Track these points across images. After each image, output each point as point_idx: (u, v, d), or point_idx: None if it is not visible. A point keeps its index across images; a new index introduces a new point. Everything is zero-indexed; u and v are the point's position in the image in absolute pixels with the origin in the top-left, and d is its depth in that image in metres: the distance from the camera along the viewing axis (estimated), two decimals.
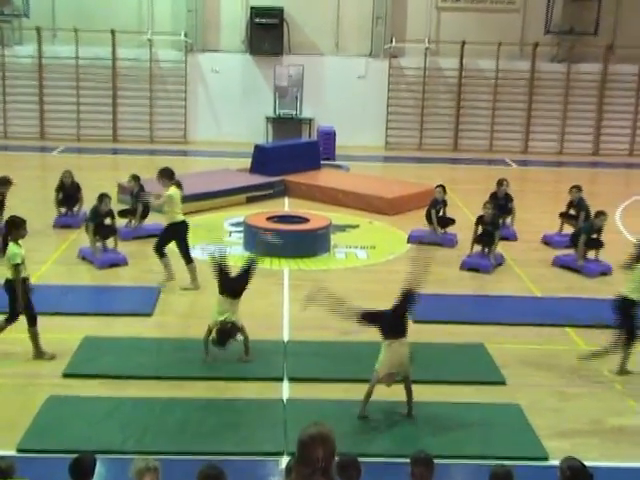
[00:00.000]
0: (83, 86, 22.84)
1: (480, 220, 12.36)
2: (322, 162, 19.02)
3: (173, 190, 10.74)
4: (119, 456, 6.56)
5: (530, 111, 23.75)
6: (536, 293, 11.42)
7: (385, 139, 23.66)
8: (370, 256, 12.86)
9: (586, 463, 5.15)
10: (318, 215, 13.93)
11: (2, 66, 22.81)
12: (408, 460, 5.29)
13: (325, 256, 12.70)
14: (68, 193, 13.82)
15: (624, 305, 8.58)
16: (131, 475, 4.90)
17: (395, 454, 6.73)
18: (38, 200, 15.22)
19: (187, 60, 23.00)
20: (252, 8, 22.68)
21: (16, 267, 8.23)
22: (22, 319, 8.46)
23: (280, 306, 10.38)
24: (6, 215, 10.57)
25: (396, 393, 7.46)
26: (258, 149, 17.97)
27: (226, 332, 8.38)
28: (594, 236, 12.41)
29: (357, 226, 14.59)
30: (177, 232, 10.88)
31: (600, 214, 12.40)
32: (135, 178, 13.28)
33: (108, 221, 12.15)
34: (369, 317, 7.44)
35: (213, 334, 8.45)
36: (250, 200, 16.02)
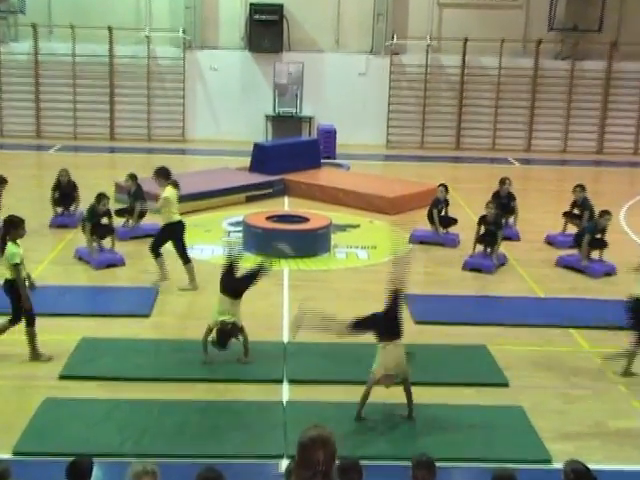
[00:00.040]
0: (80, 84, 22.86)
1: (482, 220, 12.36)
2: (322, 161, 19.03)
3: (169, 191, 10.76)
4: (116, 459, 6.56)
5: (533, 109, 23.76)
6: (539, 294, 11.42)
7: (386, 137, 23.67)
8: (371, 256, 12.86)
9: (590, 466, 5.15)
10: (318, 214, 13.93)
11: None
12: (410, 463, 5.30)
13: (325, 256, 12.70)
14: (65, 192, 13.83)
15: (637, 306, 8.58)
16: (129, 478, 4.90)
17: (396, 457, 6.73)
18: (34, 199, 15.23)
19: (185, 57, 23.01)
20: (251, 4, 22.69)
21: (15, 267, 8.24)
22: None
23: (280, 307, 10.39)
24: (2, 214, 10.56)
25: (397, 395, 7.46)
26: (257, 147, 17.97)
27: (226, 333, 8.40)
28: (598, 236, 12.41)
29: (358, 226, 14.60)
30: (174, 232, 10.90)
31: (604, 213, 12.40)
32: (132, 177, 13.28)
33: (105, 220, 12.15)
34: (361, 325, 7.49)
35: (213, 334, 8.46)
36: (249, 199, 16.03)
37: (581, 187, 13.62)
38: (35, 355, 8.57)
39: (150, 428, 7.21)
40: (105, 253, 12.07)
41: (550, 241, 13.82)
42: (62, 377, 8.21)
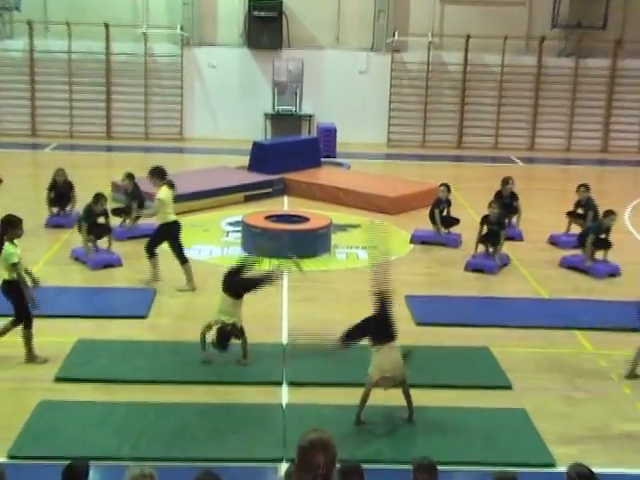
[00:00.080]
0: (76, 81, 22.85)
1: (485, 220, 12.37)
2: (322, 160, 19.03)
3: (164, 192, 10.77)
4: (113, 463, 6.57)
5: (537, 107, 23.75)
6: (543, 294, 11.42)
7: (387, 136, 23.66)
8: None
9: (594, 470, 5.15)
10: (318, 214, 13.93)
11: None
12: (411, 466, 5.30)
13: (325, 256, 12.71)
14: (61, 192, 13.83)
15: None
16: None
17: (397, 460, 6.73)
18: (30, 199, 15.23)
19: (183, 54, 23.00)
20: (250, 0, 22.67)
21: (14, 266, 8.24)
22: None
23: (279, 307, 10.39)
24: None
25: (397, 398, 7.46)
26: (256, 146, 17.97)
27: (225, 333, 8.40)
28: (602, 236, 12.41)
29: (358, 226, 14.60)
30: (169, 232, 10.92)
31: (609, 213, 12.40)
32: (129, 176, 13.27)
33: (102, 220, 12.16)
34: (353, 334, 7.51)
35: (213, 336, 8.46)
36: (248, 199, 16.03)
37: (585, 186, 13.62)
38: (31, 357, 8.58)
39: (147, 431, 7.21)
40: (102, 253, 12.08)
41: (554, 241, 13.82)
42: (58, 379, 8.22)
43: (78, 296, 10.87)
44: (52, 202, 13.86)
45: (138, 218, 13.19)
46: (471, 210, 15.19)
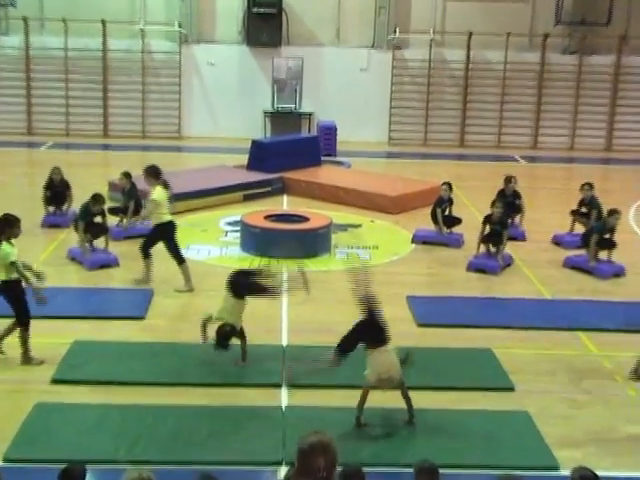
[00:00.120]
0: (72, 79, 22.87)
1: (488, 219, 12.37)
2: (322, 158, 19.03)
3: (157, 193, 10.78)
4: (110, 466, 6.56)
5: (540, 105, 23.77)
6: (546, 295, 11.42)
7: (388, 134, 23.68)
8: (373, 257, 12.86)
9: (598, 473, 5.15)
10: (318, 214, 13.93)
11: None
12: (412, 469, 5.30)
13: (325, 257, 12.70)
14: (57, 191, 13.83)
15: None
16: None
17: (399, 463, 6.73)
18: (25, 198, 15.23)
19: (181, 51, 23.02)
20: None
21: (12, 265, 8.24)
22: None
23: (279, 308, 10.38)
24: None
25: (397, 400, 7.46)
26: (256, 145, 17.97)
27: (224, 333, 8.40)
28: (607, 236, 12.41)
29: (359, 225, 14.60)
30: (164, 233, 10.93)
31: (613, 212, 12.40)
32: (127, 175, 13.29)
33: (99, 219, 12.16)
34: (346, 346, 7.49)
35: (213, 337, 8.48)
36: (247, 198, 16.04)
37: (589, 185, 13.62)
38: (26, 359, 8.57)
39: (145, 434, 7.20)
40: (98, 253, 12.07)
41: (557, 241, 13.82)
42: (54, 381, 8.21)
43: (74, 297, 10.86)
44: (48, 201, 13.86)
45: (136, 221, 13.20)
46: (473, 209, 15.20)
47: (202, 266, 11.88)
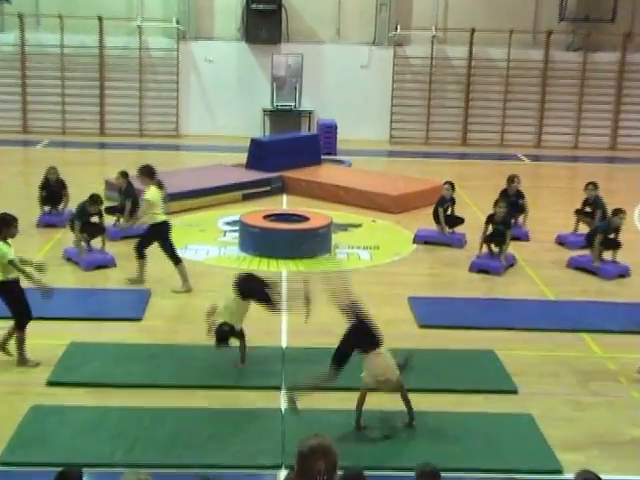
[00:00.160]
0: (68, 76, 22.88)
1: (490, 219, 12.37)
2: (322, 157, 19.04)
3: (151, 193, 10.80)
4: (107, 469, 6.57)
5: (543, 103, 23.77)
6: (550, 296, 11.43)
7: (389, 133, 23.68)
8: (373, 257, 12.87)
9: (602, 477, 5.15)
10: (318, 213, 13.93)
11: None
12: (413, 473, 5.30)
13: (326, 257, 12.71)
14: (53, 190, 13.84)
15: None
16: None
17: (400, 467, 6.74)
18: (21, 197, 15.22)
19: (179, 48, 23.02)
20: None
21: (11, 263, 8.24)
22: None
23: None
24: None
25: (397, 402, 7.46)
26: (255, 143, 17.98)
27: (223, 333, 8.41)
28: (611, 236, 12.41)
29: (360, 225, 14.61)
30: (159, 233, 10.95)
31: (618, 212, 12.41)
32: (123, 174, 13.28)
33: (96, 219, 12.16)
34: (341, 357, 7.47)
35: (212, 338, 8.50)
36: (246, 197, 16.05)
37: (593, 185, 13.63)
38: (22, 360, 8.59)
39: (142, 436, 7.21)
40: (95, 253, 12.08)
41: (561, 241, 13.83)
42: (50, 383, 8.22)
43: (71, 298, 10.83)
44: (44, 200, 13.87)
45: (133, 224, 13.21)
46: (476, 209, 15.21)
47: (200, 266, 11.89)
